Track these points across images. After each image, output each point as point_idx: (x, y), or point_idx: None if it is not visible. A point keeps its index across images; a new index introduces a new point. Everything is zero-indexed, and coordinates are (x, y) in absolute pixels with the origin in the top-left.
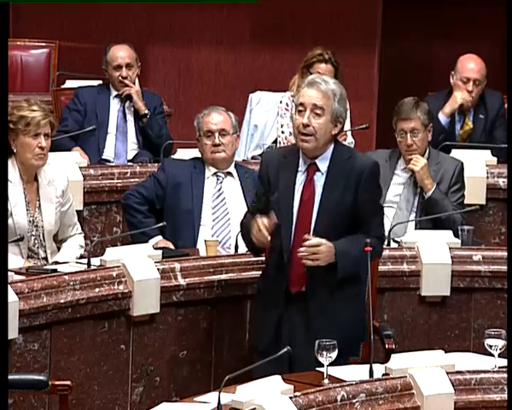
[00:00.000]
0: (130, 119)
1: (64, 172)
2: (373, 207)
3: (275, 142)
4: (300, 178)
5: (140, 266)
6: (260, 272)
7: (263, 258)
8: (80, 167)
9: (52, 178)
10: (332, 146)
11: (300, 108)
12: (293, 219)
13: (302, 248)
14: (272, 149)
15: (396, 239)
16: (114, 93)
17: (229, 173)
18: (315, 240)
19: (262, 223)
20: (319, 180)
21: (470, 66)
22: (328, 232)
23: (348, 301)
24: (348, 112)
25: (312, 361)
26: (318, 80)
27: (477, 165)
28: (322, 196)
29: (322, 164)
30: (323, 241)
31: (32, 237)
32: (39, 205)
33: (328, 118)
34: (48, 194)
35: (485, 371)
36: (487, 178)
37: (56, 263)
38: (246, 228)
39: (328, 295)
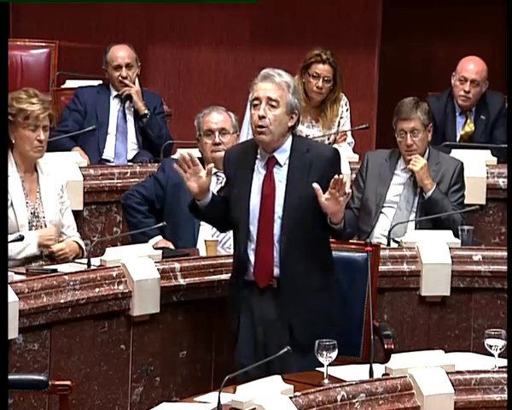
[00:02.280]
0: (130, 119)
1: (62, 171)
2: None
3: None
4: (260, 173)
5: (140, 266)
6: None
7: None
8: (80, 167)
9: (51, 171)
10: (290, 138)
11: (256, 102)
12: (254, 214)
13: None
14: (233, 146)
15: (396, 239)
16: (114, 93)
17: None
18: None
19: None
20: (279, 173)
21: (469, 67)
22: (296, 224)
23: (317, 292)
24: (348, 112)
25: (287, 360)
26: (272, 73)
27: (477, 165)
28: (286, 189)
29: (281, 156)
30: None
31: (33, 228)
32: (40, 196)
33: (284, 110)
34: (48, 184)
35: (485, 371)
36: (487, 178)
37: (51, 259)
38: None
39: (297, 287)
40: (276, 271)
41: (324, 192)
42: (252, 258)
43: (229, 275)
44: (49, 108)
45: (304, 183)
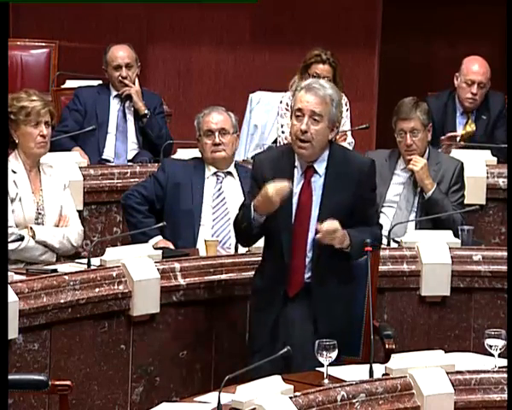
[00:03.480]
0: (130, 119)
1: (65, 172)
2: (371, 202)
3: (275, 142)
4: (297, 181)
5: (140, 266)
6: (255, 269)
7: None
8: (80, 167)
9: (54, 173)
10: (328, 148)
11: (298, 113)
12: (289, 222)
13: (319, 235)
14: (263, 152)
15: (396, 239)
16: (114, 93)
17: (230, 173)
18: (332, 225)
19: (274, 187)
20: (317, 182)
21: (475, 68)
22: None
23: (346, 301)
24: (348, 112)
25: (310, 362)
26: (316, 85)
27: (477, 165)
28: (322, 198)
29: (320, 166)
30: (339, 226)
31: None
32: (42, 194)
33: (326, 124)
34: (50, 184)
35: (485, 371)
36: (487, 178)
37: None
38: (240, 221)
39: (327, 296)
40: (307, 277)
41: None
42: (289, 266)
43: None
44: (50, 105)
45: (339, 191)
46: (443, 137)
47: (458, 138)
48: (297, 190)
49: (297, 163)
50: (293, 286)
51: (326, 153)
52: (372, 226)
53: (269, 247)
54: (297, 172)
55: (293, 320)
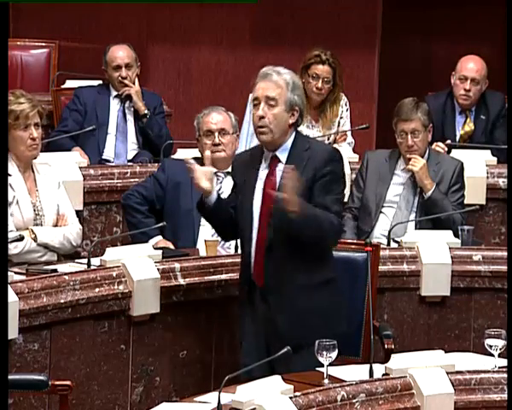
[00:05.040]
0: (130, 119)
1: (58, 169)
2: (329, 190)
3: None
4: (264, 172)
5: (140, 266)
6: None
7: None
8: (80, 167)
9: (47, 171)
10: (293, 136)
11: (255, 102)
12: (255, 213)
13: (286, 175)
14: (240, 153)
15: (396, 239)
16: (114, 93)
17: (229, 173)
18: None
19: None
20: (281, 171)
21: (469, 65)
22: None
23: (306, 290)
24: (348, 112)
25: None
26: (270, 72)
27: (477, 165)
28: (279, 183)
29: (283, 155)
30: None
31: (36, 226)
32: (38, 195)
33: (283, 108)
34: (45, 184)
35: (485, 371)
36: (487, 178)
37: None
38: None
39: (283, 286)
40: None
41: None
42: (252, 259)
43: (236, 277)
44: (38, 106)
45: (298, 179)
46: (434, 145)
47: (458, 138)
48: (262, 179)
49: (264, 155)
50: (259, 277)
51: (290, 141)
52: (331, 213)
53: (241, 244)
54: (263, 165)
55: (269, 317)
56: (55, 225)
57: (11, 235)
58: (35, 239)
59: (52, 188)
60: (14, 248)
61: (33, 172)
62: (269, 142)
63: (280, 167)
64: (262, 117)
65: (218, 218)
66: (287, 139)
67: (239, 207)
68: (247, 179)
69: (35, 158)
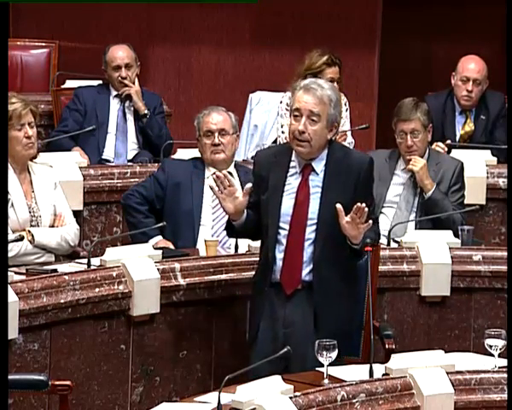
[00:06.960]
0: (130, 119)
1: (53, 169)
2: (370, 199)
3: (275, 142)
4: (294, 179)
5: (140, 266)
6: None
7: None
8: (80, 167)
9: (43, 172)
10: (327, 147)
11: (296, 113)
12: (285, 219)
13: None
14: (264, 149)
15: (396, 239)
16: (114, 93)
17: (229, 173)
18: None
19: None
20: (314, 181)
21: (470, 66)
22: (330, 230)
23: (348, 301)
24: (348, 112)
25: (309, 360)
26: (314, 86)
27: (477, 165)
28: (321, 196)
29: (318, 165)
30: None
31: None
32: (34, 196)
33: (324, 124)
34: (41, 184)
35: (485, 371)
36: (487, 178)
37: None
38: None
39: (329, 295)
40: (306, 275)
41: (351, 206)
42: (279, 262)
43: (253, 278)
44: (30, 105)
45: (339, 190)
46: (434, 145)
47: (458, 138)
48: (294, 187)
49: (295, 161)
50: (290, 283)
51: (325, 152)
52: (373, 224)
53: (264, 244)
54: (294, 170)
55: (293, 320)
56: (52, 226)
57: (9, 237)
58: (32, 240)
59: (48, 188)
60: (9, 252)
61: (29, 173)
62: (306, 154)
63: (312, 176)
64: (303, 132)
65: (246, 231)
66: (323, 151)
67: (264, 206)
68: (275, 180)
69: (32, 157)
